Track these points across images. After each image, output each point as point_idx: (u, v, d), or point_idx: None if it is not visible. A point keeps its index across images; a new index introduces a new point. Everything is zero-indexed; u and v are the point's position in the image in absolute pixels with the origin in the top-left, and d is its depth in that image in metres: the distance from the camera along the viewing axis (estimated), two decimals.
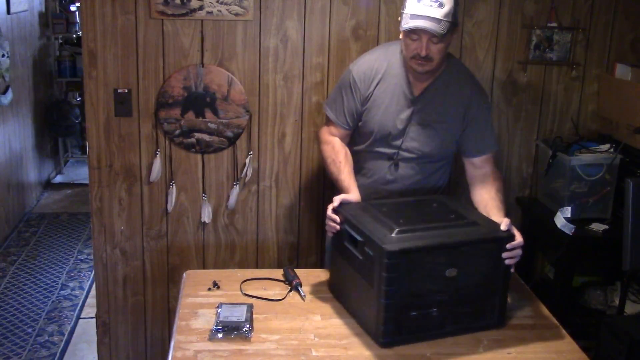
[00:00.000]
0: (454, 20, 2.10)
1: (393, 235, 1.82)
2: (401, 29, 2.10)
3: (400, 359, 1.79)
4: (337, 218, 2.01)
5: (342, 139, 2.32)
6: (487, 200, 2.18)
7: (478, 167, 2.29)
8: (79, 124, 6.01)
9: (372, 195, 2.26)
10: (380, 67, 2.24)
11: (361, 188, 2.20)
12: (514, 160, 2.90)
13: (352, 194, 2.12)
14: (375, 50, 2.34)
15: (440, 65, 2.18)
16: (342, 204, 2.05)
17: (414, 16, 2.05)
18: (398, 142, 2.26)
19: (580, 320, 2.74)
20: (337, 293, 2.08)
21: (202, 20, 2.61)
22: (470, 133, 2.27)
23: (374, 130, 2.26)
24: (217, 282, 2.16)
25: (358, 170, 2.31)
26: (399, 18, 2.13)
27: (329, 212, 2.04)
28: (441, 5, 2.04)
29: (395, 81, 2.22)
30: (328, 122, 2.37)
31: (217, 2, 2.58)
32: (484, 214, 2.10)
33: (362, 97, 2.25)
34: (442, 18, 2.04)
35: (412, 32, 2.08)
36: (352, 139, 2.36)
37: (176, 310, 2.02)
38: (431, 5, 2.04)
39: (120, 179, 2.73)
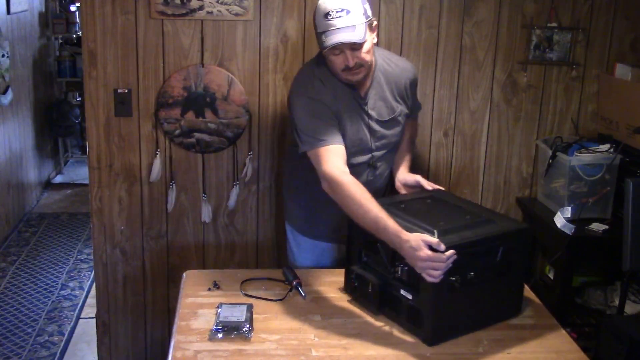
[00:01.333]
0: (367, 19, 2.07)
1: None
2: (322, 50, 2.08)
3: (400, 359, 1.79)
4: (451, 251, 1.75)
5: (345, 163, 2.08)
6: (400, 151, 2.42)
7: (407, 124, 2.43)
8: (79, 124, 6.02)
9: None
10: (329, 89, 2.17)
11: None
12: (514, 160, 2.90)
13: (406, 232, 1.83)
14: (313, 78, 2.19)
15: (372, 64, 2.18)
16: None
17: (328, 33, 2.02)
18: (370, 146, 2.26)
19: (580, 320, 2.74)
20: (453, 332, 1.87)
21: (202, 20, 2.61)
22: (411, 102, 2.38)
23: (347, 146, 2.18)
24: (217, 282, 2.16)
25: None
26: (317, 41, 2.10)
27: (433, 255, 1.74)
28: (348, 11, 2.01)
29: (343, 94, 2.19)
30: (325, 157, 2.06)
31: (217, 2, 2.58)
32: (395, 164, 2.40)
33: (334, 114, 2.15)
34: (355, 24, 2.01)
35: (334, 49, 2.05)
36: None
37: (176, 310, 2.02)
38: (340, 16, 2.01)
39: (120, 179, 2.73)
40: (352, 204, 1.95)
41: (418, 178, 2.28)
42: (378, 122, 2.25)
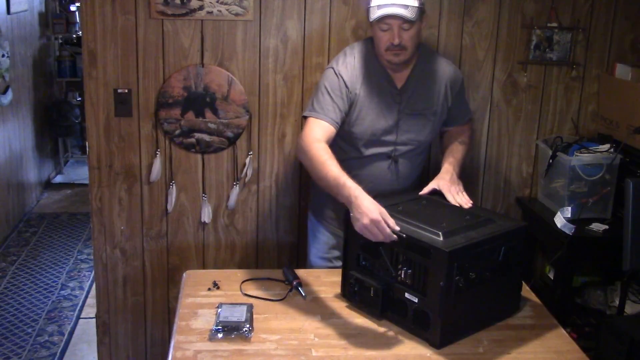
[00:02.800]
0: (421, 6, 2.13)
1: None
2: (371, 21, 2.14)
3: (400, 359, 1.79)
4: (394, 237, 1.86)
5: (327, 142, 2.14)
6: (448, 144, 2.43)
7: (455, 131, 2.46)
8: (79, 124, 6.02)
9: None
10: (362, 68, 2.24)
11: None
12: (514, 160, 2.90)
13: (367, 196, 1.91)
14: (350, 53, 2.28)
15: (414, 53, 2.22)
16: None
17: (381, 6, 2.09)
18: (393, 138, 2.27)
19: (580, 320, 2.74)
20: (459, 333, 1.89)
21: (202, 20, 2.61)
22: (454, 107, 2.38)
23: (367, 132, 2.25)
24: (217, 282, 2.16)
25: (354, 179, 2.07)
26: (367, 15, 2.17)
27: (380, 222, 1.85)
28: None
29: (376, 79, 2.24)
30: (312, 126, 2.17)
31: (217, 2, 2.58)
32: (443, 152, 2.41)
33: (351, 98, 2.22)
34: (409, 4, 2.08)
35: (382, 22, 2.11)
36: (341, 149, 2.27)
37: (176, 310, 2.02)
38: None
39: (120, 179, 2.73)
40: (316, 164, 2.04)
41: (445, 190, 2.18)
42: (407, 113, 2.26)
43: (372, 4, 2.13)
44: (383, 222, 1.86)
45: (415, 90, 2.27)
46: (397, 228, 1.87)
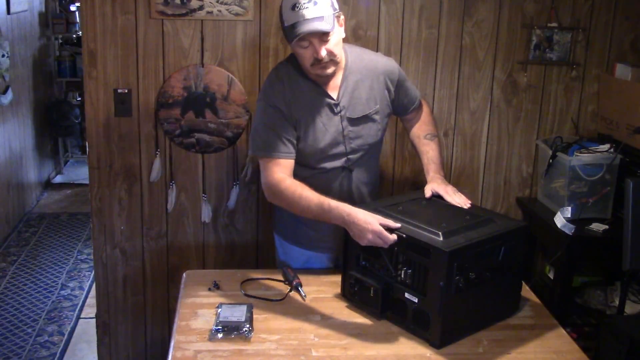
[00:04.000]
0: (335, 11, 2.03)
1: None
2: (291, 42, 2.04)
3: (400, 359, 1.79)
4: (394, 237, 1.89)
5: (291, 174, 2.10)
6: (418, 144, 2.37)
7: (410, 116, 2.40)
8: (79, 124, 6.02)
9: None
10: (293, 90, 2.14)
11: None
12: (514, 160, 2.91)
13: (359, 210, 1.94)
14: (276, 79, 2.16)
15: (341, 60, 2.13)
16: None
17: (297, 24, 1.99)
18: (342, 149, 2.19)
19: (580, 320, 2.74)
20: (458, 333, 1.88)
21: (202, 20, 2.61)
22: (402, 96, 2.30)
23: (316, 150, 2.16)
24: (217, 282, 2.16)
25: None
26: (285, 36, 2.07)
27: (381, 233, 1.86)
28: (316, 2, 1.98)
29: (310, 96, 2.14)
30: (270, 168, 2.09)
31: (217, 2, 2.58)
32: (420, 157, 2.34)
33: (292, 122, 2.13)
34: (323, 15, 1.99)
35: (302, 40, 2.01)
36: (294, 170, 2.17)
37: (176, 310, 2.02)
38: (307, 7, 1.97)
39: (120, 179, 2.73)
40: (294, 201, 2.03)
41: (442, 192, 2.17)
42: (350, 120, 2.17)
43: (286, 24, 2.02)
44: (384, 232, 1.86)
45: (353, 95, 2.17)
46: (398, 225, 1.89)
